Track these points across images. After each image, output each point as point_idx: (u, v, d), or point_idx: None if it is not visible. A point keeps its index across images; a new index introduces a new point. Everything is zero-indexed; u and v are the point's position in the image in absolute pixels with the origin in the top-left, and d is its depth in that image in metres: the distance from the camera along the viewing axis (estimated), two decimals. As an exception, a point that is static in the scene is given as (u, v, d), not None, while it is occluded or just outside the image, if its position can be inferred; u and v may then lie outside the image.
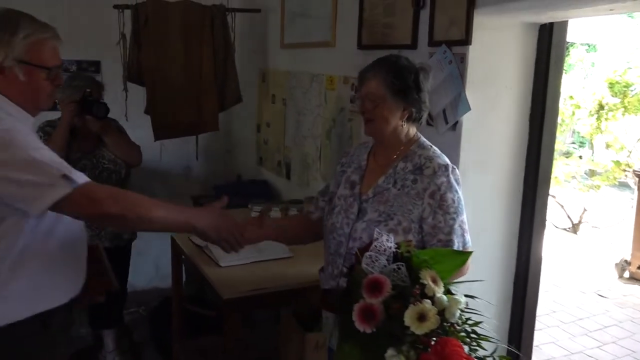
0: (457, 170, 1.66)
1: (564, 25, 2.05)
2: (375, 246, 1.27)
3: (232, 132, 4.21)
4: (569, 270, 5.30)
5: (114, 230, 2.80)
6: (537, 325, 2.51)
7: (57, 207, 1.37)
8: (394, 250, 1.28)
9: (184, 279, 2.94)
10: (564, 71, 2.16)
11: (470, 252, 1.39)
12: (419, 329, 1.12)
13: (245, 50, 3.84)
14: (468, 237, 1.65)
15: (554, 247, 5.85)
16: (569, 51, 8.14)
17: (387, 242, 1.27)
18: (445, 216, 1.60)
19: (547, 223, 2.25)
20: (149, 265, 3.92)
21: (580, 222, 6.58)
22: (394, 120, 1.67)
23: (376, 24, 2.49)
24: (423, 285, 1.18)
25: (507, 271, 2.22)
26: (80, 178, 1.41)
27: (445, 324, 1.16)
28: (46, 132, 2.63)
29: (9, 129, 1.40)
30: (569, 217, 6.58)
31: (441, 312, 1.16)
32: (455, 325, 1.17)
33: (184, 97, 3.46)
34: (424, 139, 1.75)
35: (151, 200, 1.48)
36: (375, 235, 1.29)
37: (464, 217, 1.64)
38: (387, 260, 1.25)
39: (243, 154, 4.20)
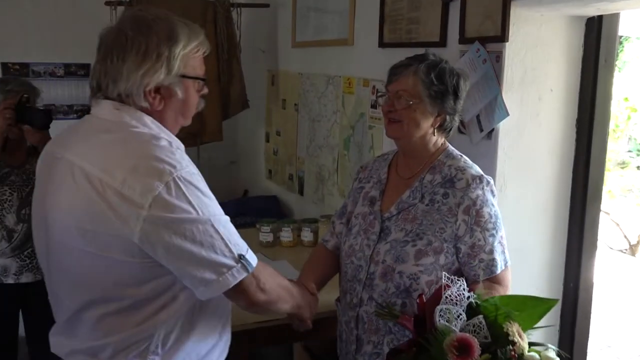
0: (492, 181, 1.66)
1: (615, 17, 2.04)
2: (448, 296, 1.23)
3: (237, 142, 4.24)
4: (626, 298, 5.22)
5: None
6: (589, 362, 2.47)
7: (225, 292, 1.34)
8: (472, 300, 1.24)
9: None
10: (616, 69, 2.15)
11: (556, 301, 1.37)
12: None
13: (252, 49, 3.88)
14: (507, 253, 1.66)
15: (609, 271, 5.76)
16: (622, 46, 8.06)
17: (462, 289, 1.24)
18: (484, 233, 1.60)
19: (599, 243, 2.23)
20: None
21: (639, 242, 6.49)
22: (425, 125, 1.67)
23: (400, 19, 2.51)
24: (512, 343, 1.15)
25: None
26: (254, 258, 1.37)
27: None
28: None
29: (189, 179, 1.27)
30: (625, 236, 6.49)
31: None
32: None
33: (184, 103, 3.50)
34: (452, 148, 1.75)
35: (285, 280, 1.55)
36: (444, 280, 1.26)
37: (503, 232, 1.65)
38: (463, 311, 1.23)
39: (250, 166, 4.22)
